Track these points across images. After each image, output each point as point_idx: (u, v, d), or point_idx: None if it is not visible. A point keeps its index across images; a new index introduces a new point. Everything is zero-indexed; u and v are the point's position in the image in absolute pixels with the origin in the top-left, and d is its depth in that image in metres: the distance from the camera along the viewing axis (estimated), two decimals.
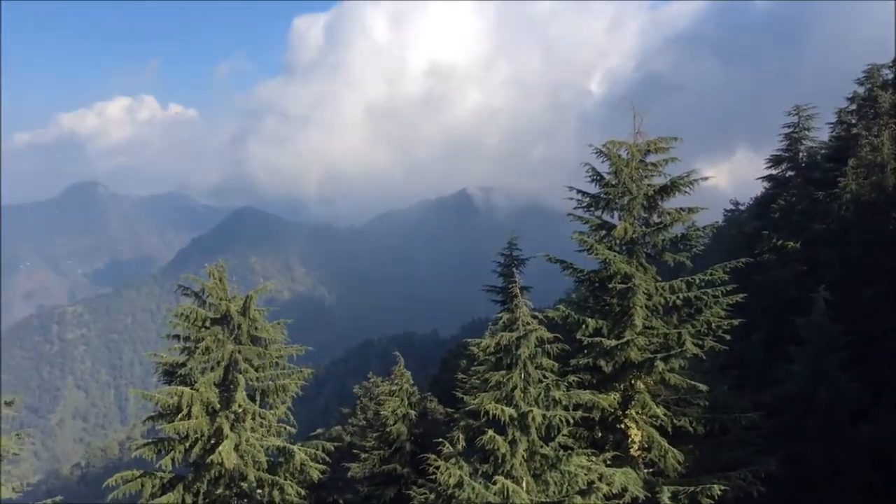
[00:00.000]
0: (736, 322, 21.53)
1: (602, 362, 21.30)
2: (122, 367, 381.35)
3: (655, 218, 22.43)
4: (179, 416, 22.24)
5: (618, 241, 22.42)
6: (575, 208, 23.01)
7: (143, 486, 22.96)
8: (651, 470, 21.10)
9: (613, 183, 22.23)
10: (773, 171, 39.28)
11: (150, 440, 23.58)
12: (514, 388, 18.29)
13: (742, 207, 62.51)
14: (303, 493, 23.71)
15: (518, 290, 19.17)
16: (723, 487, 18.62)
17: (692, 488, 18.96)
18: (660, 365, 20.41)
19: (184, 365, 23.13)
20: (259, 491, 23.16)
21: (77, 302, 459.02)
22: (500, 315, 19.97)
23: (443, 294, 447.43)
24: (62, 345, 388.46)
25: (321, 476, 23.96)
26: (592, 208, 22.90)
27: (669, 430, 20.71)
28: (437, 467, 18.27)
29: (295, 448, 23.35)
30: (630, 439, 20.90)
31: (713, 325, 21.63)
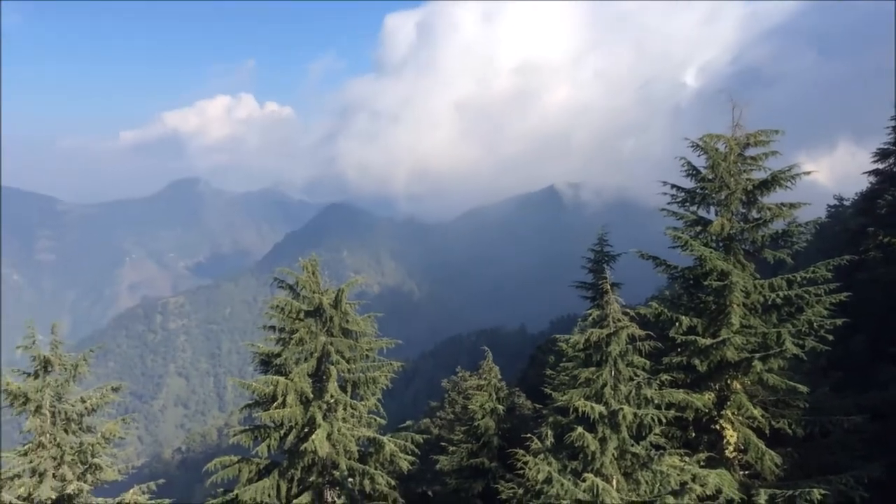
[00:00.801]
0: (839, 322, 20.66)
1: (696, 361, 20.86)
2: (220, 356, 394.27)
3: (754, 213, 21.76)
4: (275, 404, 22.87)
5: (714, 238, 21.87)
6: (669, 203, 22.56)
7: (240, 471, 23.75)
8: (747, 472, 20.52)
9: (710, 177, 21.68)
10: (880, 166, 37.27)
11: (246, 427, 24.34)
12: (604, 385, 18.06)
13: (846, 203, 59.86)
14: (392, 483, 24.04)
15: (608, 287, 18.89)
16: (823, 492, 17.88)
17: (790, 492, 18.28)
18: (758, 365, 19.84)
19: (279, 355, 23.75)
20: (350, 480, 23.61)
21: (179, 293, 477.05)
22: (589, 311, 19.73)
23: (530, 290, 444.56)
24: (165, 334, 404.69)
25: (410, 467, 24.22)
26: (687, 204, 22.41)
27: (767, 431, 20.11)
28: (526, 463, 18.23)
29: (385, 439, 23.68)
30: (725, 440, 20.38)
31: (815, 324, 20.81)
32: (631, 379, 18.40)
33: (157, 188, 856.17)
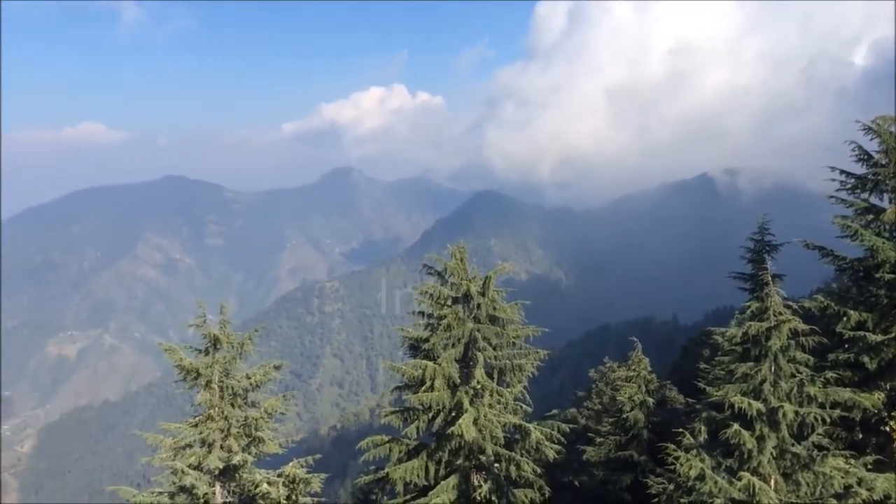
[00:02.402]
0: None
1: (865, 358, 19.55)
2: (372, 340, 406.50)
3: None
4: (423, 388, 23.39)
5: (888, 227, 20.35)
6: (837, 191, 21.19)
7: (390, 450, 24.51)
8: None
9: (884, 162, 20.18)
10: None
11: (396, 409, 25.03)
12: (763, 381, 17.27)
13: None
14: (538, 470, 24.03)
15: (769, 278, 18.03)
16: None
17: None
18: None
19: (427, 340, 24.25)
20: (497, 465, 23.83)
21: (334, 278, 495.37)
22: (748, 304, 18.89)
23: (682, 280, 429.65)
24: (321, 317, 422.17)
25: (556, 456, 24.12)
26: (858, 190, 20.97)
27: None
28: (677, 458, 17.75)
29: (531, 426, 23.68)
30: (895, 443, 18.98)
31: None
32: (793, 375, 17.49)
33: (315, 177, 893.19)
